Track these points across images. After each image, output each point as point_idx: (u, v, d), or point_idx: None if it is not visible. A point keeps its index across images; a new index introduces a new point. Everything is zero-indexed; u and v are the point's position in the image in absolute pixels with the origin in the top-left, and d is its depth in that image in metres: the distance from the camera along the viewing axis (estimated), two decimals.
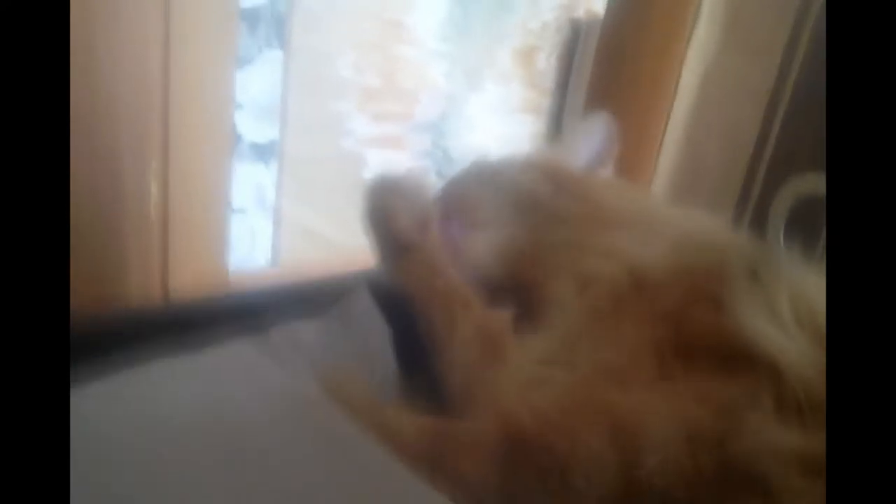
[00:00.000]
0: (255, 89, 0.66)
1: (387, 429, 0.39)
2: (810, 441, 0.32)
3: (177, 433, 0.34)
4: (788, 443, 0.33)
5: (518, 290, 0.50)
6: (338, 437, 0.37)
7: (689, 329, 0.40)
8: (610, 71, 0.88)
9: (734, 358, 0.37)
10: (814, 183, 0.72)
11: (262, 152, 0.68)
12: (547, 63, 0.92)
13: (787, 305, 0.37)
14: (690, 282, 0.42)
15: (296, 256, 0.73)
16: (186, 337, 0.42)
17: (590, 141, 0.59)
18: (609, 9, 0.88)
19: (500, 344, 0.46)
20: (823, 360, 0.34)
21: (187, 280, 0.60)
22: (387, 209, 0.51)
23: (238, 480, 0.31)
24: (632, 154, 0.61)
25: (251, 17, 0.63)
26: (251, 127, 0.67)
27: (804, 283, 0.38)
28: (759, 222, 0.78)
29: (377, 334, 0.51)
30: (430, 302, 0.48)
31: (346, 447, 0.37)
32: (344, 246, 0.73)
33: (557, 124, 0.94)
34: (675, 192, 0.89)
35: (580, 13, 0.93)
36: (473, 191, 0.55)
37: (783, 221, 0.75)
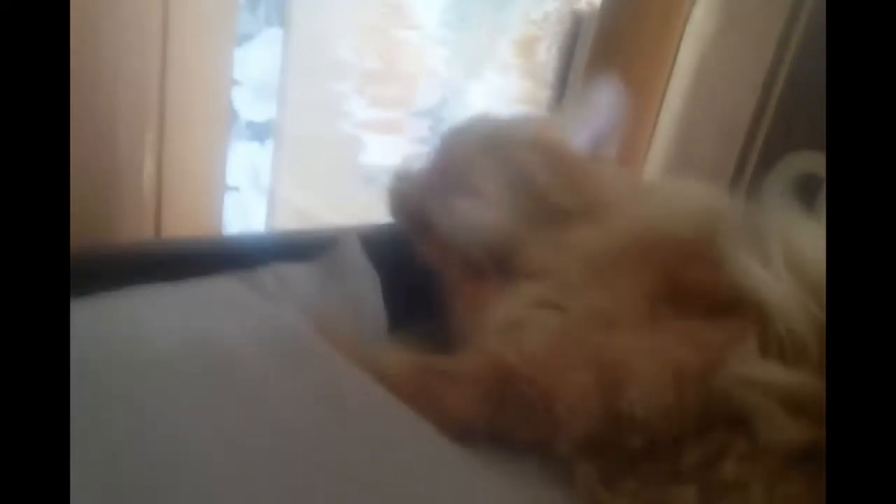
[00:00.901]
0: (254, 67, 0.65)
1: (374, 362, 0.39)
2: (792, 377, 0.33)
3: (161, 357, 0.34)
4: (770, 376, 0.34)
5: (497, 257, 0.51)
6: (323, 366, 0.37)
7: (682, 281, 0.41)
8: (606, 51, 0.88)
9: (723, 307, 0.38)
10: (809, 161, 0.72)
11: (259, 131, 0.68)
12: (547, 54, 0.92)
13: (779, 250, 0.37)
14: (686, 245, 0.43)
15: None
16: (176, 273, 0.42)
17: (595, 115, 0.57)
18: None
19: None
20: (810, 303, 0.35)
21: None
22: (403, 202, 0.56)
23: (219, 406, 0.31)
24: (627, 135, 0.60)
25: None
26: (248, 105, 0.66)
27: (796, 230, 0.39)
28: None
29: (365, 283, 0.53)
30: (445, 271, 0.52)
31: (330, 376, 0.36)
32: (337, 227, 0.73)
33: None
34: (669, 173, 0.89)
35: (582, 4, 0.93)
36: (472, 156, 0.55)
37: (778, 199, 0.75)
